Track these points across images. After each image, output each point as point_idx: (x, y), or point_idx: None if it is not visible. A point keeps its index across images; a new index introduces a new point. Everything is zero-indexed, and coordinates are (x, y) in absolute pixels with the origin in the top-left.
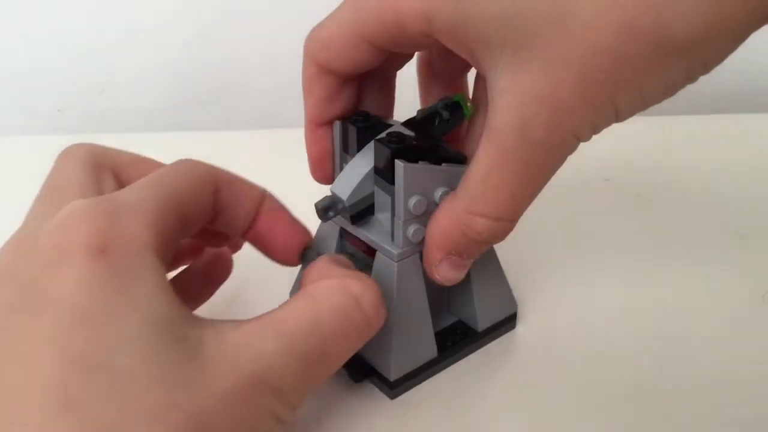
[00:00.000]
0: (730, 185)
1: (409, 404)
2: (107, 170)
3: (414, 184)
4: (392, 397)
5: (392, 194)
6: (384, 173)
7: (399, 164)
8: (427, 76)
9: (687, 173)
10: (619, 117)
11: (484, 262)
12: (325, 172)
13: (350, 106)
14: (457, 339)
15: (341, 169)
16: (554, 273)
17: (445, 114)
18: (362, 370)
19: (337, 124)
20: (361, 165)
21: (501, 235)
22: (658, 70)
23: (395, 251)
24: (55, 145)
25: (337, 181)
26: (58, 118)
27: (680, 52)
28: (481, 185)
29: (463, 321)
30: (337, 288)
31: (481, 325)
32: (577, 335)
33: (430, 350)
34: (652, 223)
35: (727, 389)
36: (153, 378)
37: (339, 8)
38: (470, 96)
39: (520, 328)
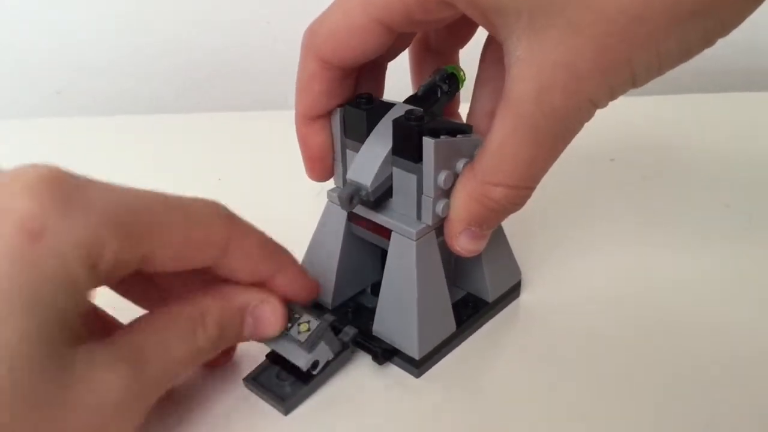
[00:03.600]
0: (737, 165)
1: (434, 380)
2: None
3: (442, 159)
4: (418, 375)
5: (418, 172)
6: (406, 153)
7: (428, 141)
8: (422, 52)
9: (693, 153)
10: (636, 82)
11: (492, 234)
12: (325, 170)
13: (349, 97)
14: (470, 312)
15: (343, 156)
16: (558, 248)
17: (444, 86)
18: (385, 352)
19: (338, 111)
20: (375, 149)
21: (519, 202)
22: (674, 32)
23: (414, 230)
24: (54, 127)
25: (353, 168)
26: (57, 100)
27: (697, 13)
28: (497, 155)
29: (472, 294)
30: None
31: (492, 296)
32: (578, 304)
33: (450, 325)
34: (656, 203)
35: (727, 359)
36: (17, 393)
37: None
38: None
39: (525, 296)
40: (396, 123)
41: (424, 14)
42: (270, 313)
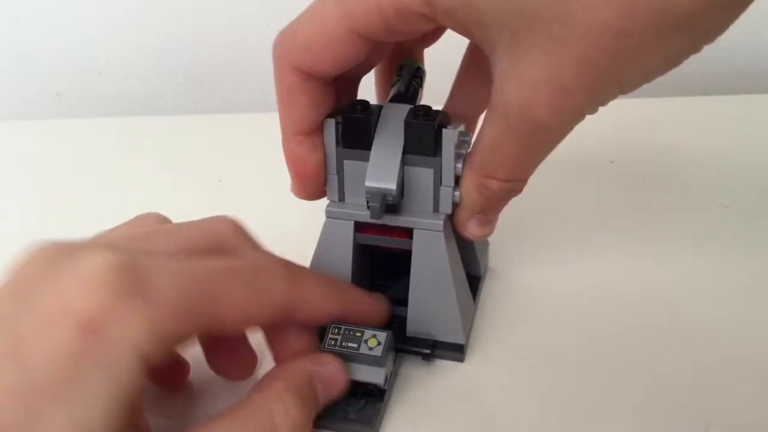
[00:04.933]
0: (736, 167)
1: (478, 359)
2: None
3: (456, 149)
4: (463, 360)
5: (436, 165)
6: (423, 149)
7: (447, 132)
8: (393, 50)
9: (692, 155)
10: (624, 90)
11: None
12: (318, 187)
13: (334, 106)
14: (473, 288)
15: (339, 168)
16: (556, 248)
17: (417, 81)
18: (432, 348)
19: (331, 122)
20: (387, 152)
21: (515, 191)
22: (660, 43)
23: (439, 222)
24: (54, 128)
25: (370, 175)
26: (57, 102)
27: (682, 24)
28: (489, 153)
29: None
30: (261, 412)
31: (482, 270)
32: (577, 303)
33: (472, 304)
34: (656, 204)
35: (727, 361)
36: None
37: (314, 8)
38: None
39: (524, 297)
40: (409, 123)
41: (404, 26)
42: (334, 372)
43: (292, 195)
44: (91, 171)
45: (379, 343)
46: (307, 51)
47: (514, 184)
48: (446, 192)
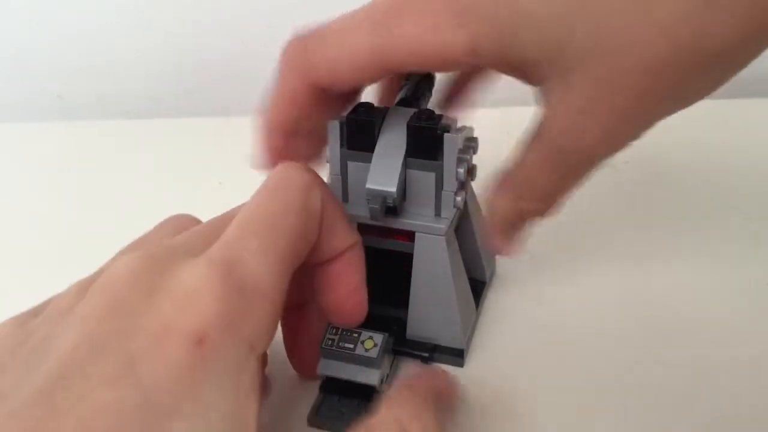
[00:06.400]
0: (739, 170)
1: (477, 364)
2: (320, 208)
3: (459, 153)
4: (462, 365)
5: (437, 169)
6: (425, 153)
7: (449, 137)
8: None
9: (695, 158)
10: (661, 119)
11: (479, 214)
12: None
13: (334, 113)
14: (478, 293)
15: (343, 169)
16: (557, 251)
17: (425, 86)
18: (431, 352)
19: (335, 124)
20: (389, 154)
21: (547, 214)
22: (697, 78)
23: (442, 226)
24: (55, 131)
25: (372, 177)
26: (58, 104)
27: (719, 59)
28: (527, 180)
29: (471, 277)
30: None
31: (488, 276)
32: (578, 306)
33: (473, 310)
34: (658, 207)
35: (729, 363)
36: None
37: (343, 29)
38: None
39: (522, 299)
40: (412, 126)
41: (444, 68)
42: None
43: None
44: (92, 173)
45: (375, 345)
46: (328, 72)
47: (547, 208)
48: (448, 196)
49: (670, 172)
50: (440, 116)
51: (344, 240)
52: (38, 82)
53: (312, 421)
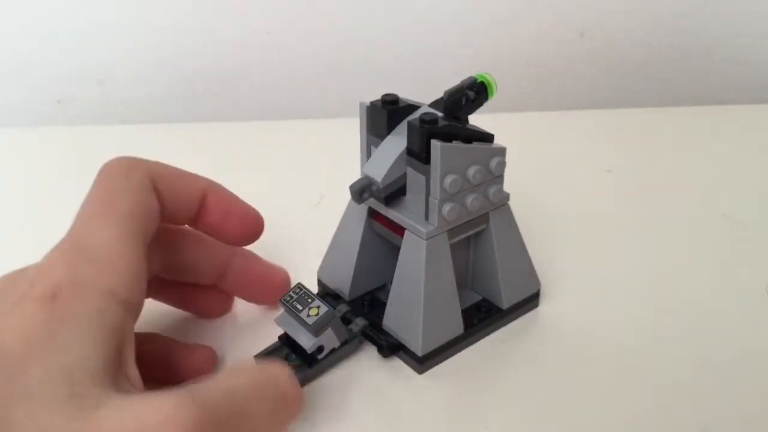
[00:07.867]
0: (733, 176)
1: (436, 378)
2: (148, 181)
3: (449, 163)
4: (420, 372)
5: (426, 174)
6: (418, 154)
7: (435, 144)
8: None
9: (689, 164)
10: None
11: (508, 240)
12: None
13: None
14: (482, 316)
15: (368, 151)
16: (556, 258)
17: (471, 94)
18: (391, 346)
19: (364, 107)
20: (392, 147)
21: None
22: None
23: (425, 230)
24: (55, 136)
25: (369, 163)
26: (58, 110)
27: None
28: None
29: (487, 299)
30: (255, 367)
31: (506, 303)
32: (577, 312)
33: (457, 327)
34: (653, 213)
35: (730, 364)
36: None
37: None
38: None
39: (543, 307)
40: (410, 124)
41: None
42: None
43: (291, 203)
44: (91, 179)
45: (318, 314)
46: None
47: None
48: (433, 204)
49: (665, 177)
50: (453, 124)
51: (191, 192)
52: (38, 88)
53: (257, 359)
